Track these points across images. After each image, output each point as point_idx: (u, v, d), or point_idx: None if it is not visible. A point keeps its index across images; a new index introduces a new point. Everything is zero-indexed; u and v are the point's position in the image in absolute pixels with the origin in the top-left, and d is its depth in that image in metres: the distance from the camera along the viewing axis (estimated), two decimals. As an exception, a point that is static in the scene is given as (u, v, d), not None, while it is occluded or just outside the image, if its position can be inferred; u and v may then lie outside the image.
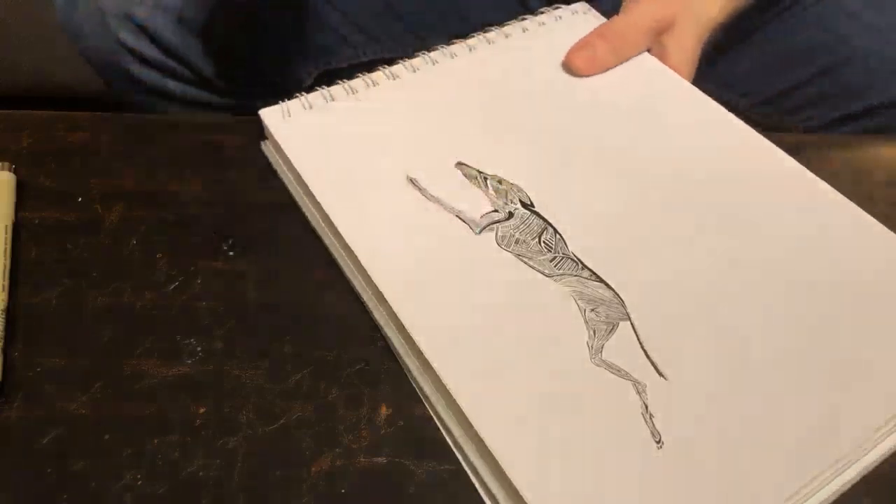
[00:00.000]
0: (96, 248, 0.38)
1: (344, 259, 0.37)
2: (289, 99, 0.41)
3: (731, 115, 0.42)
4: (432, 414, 0.32)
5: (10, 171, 0.40)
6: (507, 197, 0.37)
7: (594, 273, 0.34)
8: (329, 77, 0.57)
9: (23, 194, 0.40)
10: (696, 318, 0.33)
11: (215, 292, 0.36)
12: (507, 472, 0.28)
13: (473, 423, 0.29)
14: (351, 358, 0.34)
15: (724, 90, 0.48)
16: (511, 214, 0.37)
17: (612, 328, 0.32)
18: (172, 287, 0.36)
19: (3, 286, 0.35)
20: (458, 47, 0.45)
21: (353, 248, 0.35)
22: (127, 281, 0.36)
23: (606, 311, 0.33)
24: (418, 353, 0.32)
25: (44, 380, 0.33)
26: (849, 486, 0.29)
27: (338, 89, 0.42)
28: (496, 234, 0.36)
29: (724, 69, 0.53)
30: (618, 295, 0.33)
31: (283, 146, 0.39)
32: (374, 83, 0.43)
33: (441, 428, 0.31)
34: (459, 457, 0.31)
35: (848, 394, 0.30)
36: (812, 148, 0.43)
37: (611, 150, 0.40)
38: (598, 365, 0.31)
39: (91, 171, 0.41)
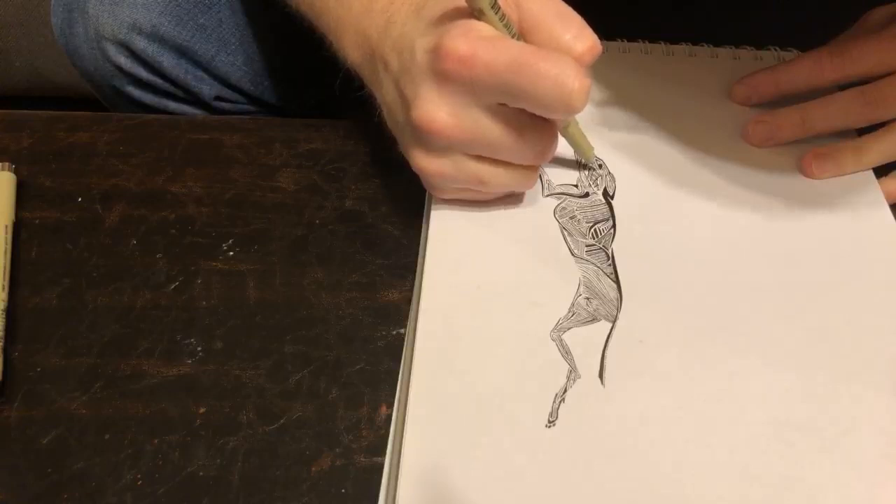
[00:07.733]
0: (96, 248, 0.38)
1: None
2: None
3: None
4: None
5: (10, 171, 0.40)
6: (596, 182, 0.38)
7: (615, 272, 0.34)
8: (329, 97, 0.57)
9: (23, 194, 0.40)
10: (674, 365, 0.31)
11: (215, 292, 0.36)
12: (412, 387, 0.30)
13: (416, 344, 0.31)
14: (351, 358, 0.34)
15: None
16: (586, 195, 0.37)
17: (592, 321, 0.32)
18: (172, 287, 0.36)
19: (3, 286, 0.35)
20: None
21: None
22: (127, 281, 0.36)
23: (598, 306, 0.33)
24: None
25: (44, 380, 0.33)
26: None
27: None
28: (559, 203, 0.37)
29: None
30: (621, 301, 0.33)
31: None
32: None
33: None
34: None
35: None
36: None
37: (733, 217, 0.37)
38: (552, 339, 0.32)
39: (91, 171, 0.41)
